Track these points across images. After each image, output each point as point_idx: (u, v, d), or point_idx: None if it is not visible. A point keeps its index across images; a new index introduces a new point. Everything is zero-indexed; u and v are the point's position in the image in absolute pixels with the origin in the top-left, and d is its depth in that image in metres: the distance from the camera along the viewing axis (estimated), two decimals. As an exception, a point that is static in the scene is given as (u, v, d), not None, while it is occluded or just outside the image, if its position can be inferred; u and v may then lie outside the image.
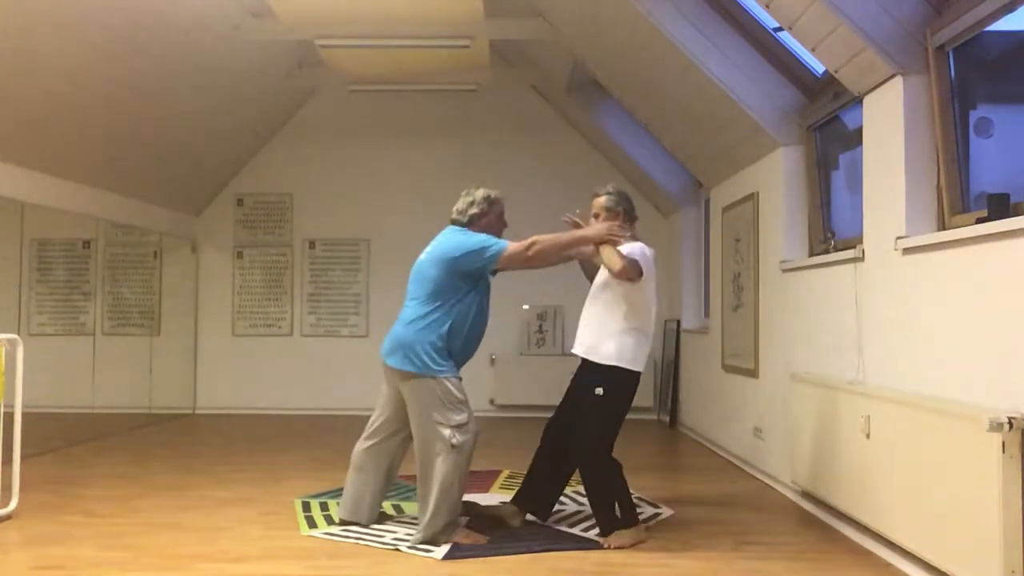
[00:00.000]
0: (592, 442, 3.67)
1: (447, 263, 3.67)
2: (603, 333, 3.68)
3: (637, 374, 3.71)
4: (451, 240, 3.74)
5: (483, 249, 3.65)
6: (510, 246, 3.64)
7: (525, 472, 4.04)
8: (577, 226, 3.84)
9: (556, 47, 6.74)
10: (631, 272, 3.57)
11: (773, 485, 4.90)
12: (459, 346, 3.73)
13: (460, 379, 3.74)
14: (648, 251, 3.73)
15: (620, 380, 3.66)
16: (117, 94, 6.02)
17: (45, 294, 8.44)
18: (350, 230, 8.43)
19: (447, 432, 3.60)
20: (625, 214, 3.80)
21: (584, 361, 3.76)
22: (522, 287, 7.68)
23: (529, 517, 4.05)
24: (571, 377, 3.90)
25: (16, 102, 5.31)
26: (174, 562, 3.39)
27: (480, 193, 3.85)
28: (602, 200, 3.80)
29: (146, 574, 3.26)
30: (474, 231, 3.79)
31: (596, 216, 3.81)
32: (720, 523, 4.07)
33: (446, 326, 3.67)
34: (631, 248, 3.69)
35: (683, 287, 7.62)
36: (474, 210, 3.82)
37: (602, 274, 3.77)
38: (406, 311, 3.76)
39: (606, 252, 3.63)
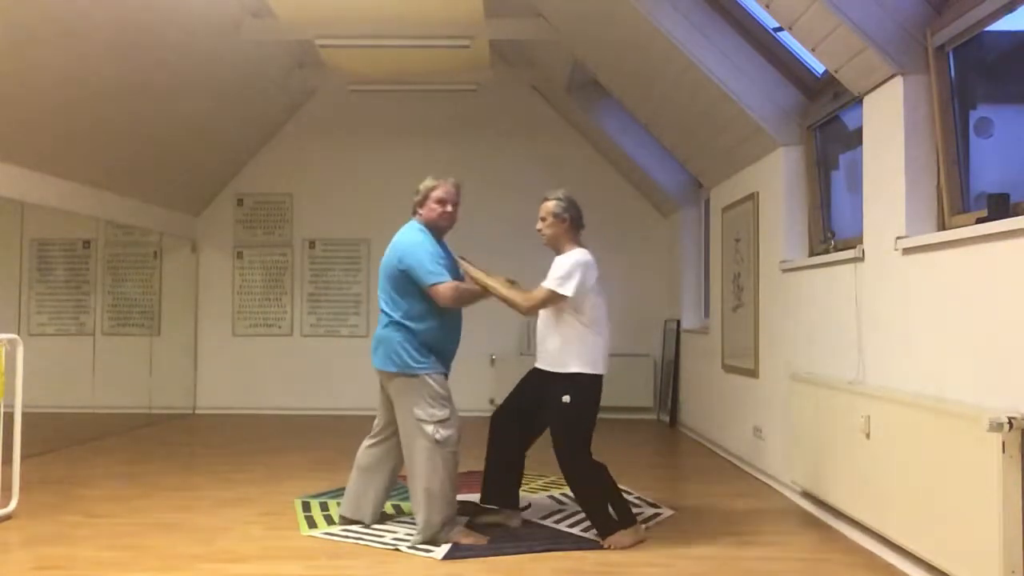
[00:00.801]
0: (570, 449, 3.69)
1: (399, 271, 3.72)
2: (561, 343, 3.71)
3: (600, 376, 3.74)
4: (400, 250, 3.75)
5: (422, 279, 3.67)
6: (441, 287, 3.64)
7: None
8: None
9: (556, 47, 6.74)
10: (534, 310, 3.70)
11: (773, 485, 4.90)
12: (438, 339, 3.75)
13: (444, 375, 3.76)
14: (585, 257, 3.73)
15: (584, 385, 3.69)
16: (117, 94, 6.02)
17: (45, 294, 8.44)
18: (350, 230, 8.43)
19: (430, 428, 3.62)
20: (572, 221, 3.82)
21: (544, 372, 3.79)
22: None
23: (529, 517, 4.06)
24: (529, 373, 3.94)
25: (16, 102, 5.31)
26: (174, 562, 3.39)
27: (424, 182, 3.91)
28: (551, 205, 3.83)
29: (146, 574, 3.26)
30: (422, 219, 3.86)
31: (543, 219, 3.83)
32: (720, 523, 4.07)
33: (421, 322, 3.70)
34: (565, 257, 3.72)
35: (683, 287, 7.62)
36: (415, 198, 3.90)
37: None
38: (381, 312, 3.82)
39: (506, 299, 3.72)
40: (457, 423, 3.71)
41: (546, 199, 3.86)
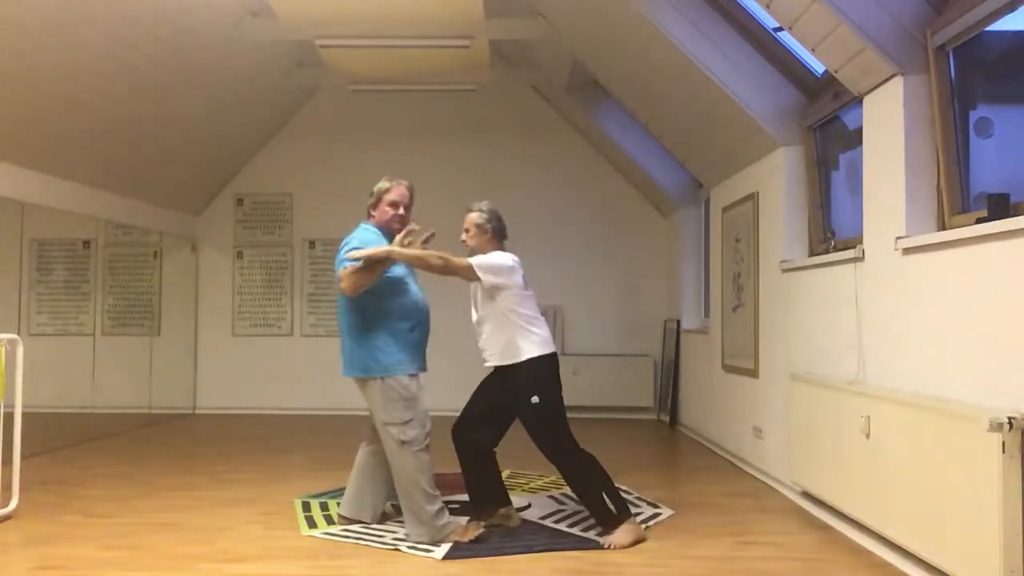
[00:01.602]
0: (554, 444, 3.73)
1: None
2: (507, 338, 3.77)
3: (553, 355, 3.82)
4: (343, 244, 3.76)
5: (340, 256, 3.67)
6: (341, 273, 3.63)
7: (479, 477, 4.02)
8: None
9: (556, 47, 6.74)
10: (448, 268, 3.70)
11: (773, 485, 4.90)
12: (399, 337, 3.72)
13: (412, 375, 3.74)
14: (503, 256, 3.81)
15: (541, 368, 3.75)
16: (117, 94, 6.02)
17: (45, 294, 8.45)
18: (350, 230, 8.36)
19: (395, 430, 3.65)
20: (494, 232, 3.91)
21: (500, 368, 3.83)
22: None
23: (529, 517, 4.06)
24: (487, 379, 3.98)
25: (16, 102, 5.31)
26: (174, 562, 3.39)
27: (377, 184, 3.93)
28: (474, 216, 3.90)
29: (146, 574, 3.26)
30: (373, 220, 3.88)
31: (467, 231, 3.91)
32: (720, 523, 4.07)
33: (376, 324, 3.70)
34: (494, 254, 3.82)
35: (683, 287, 7.62)
36: (369, 200, 3.93)
37: (477, 294, 3.88)
38: (338, 320, 3.85)
39: (415, 256, 3.72)
40: (423, 422, 3.72)
41: (469, 210, 3.95)
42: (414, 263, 3.78)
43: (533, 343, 3.77)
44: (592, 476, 3.75)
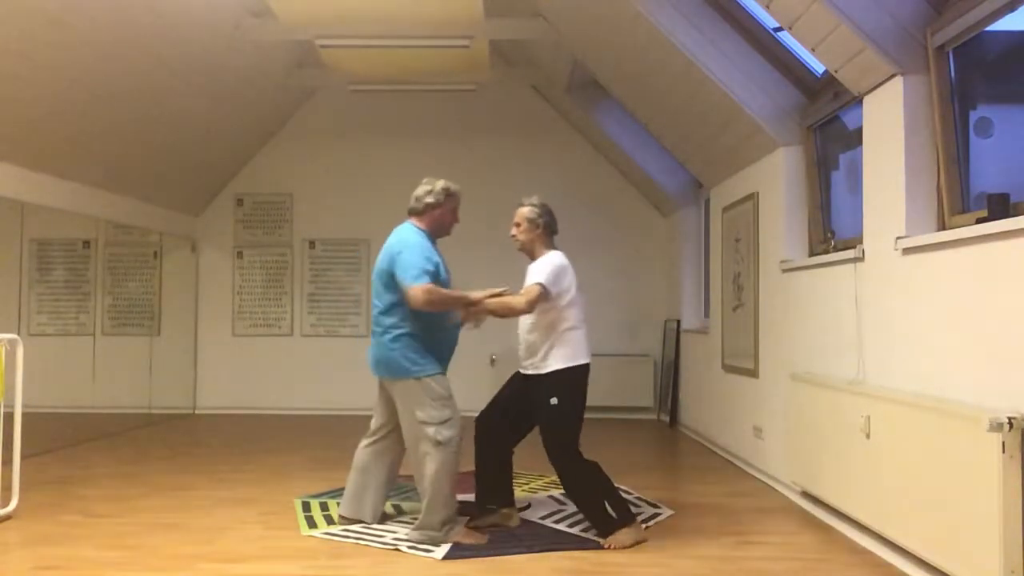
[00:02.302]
0: (559, 450, 3.71)
1: (392, 273, 3.69)
2: (548, 346, 3.74)
3: (585, 366, 3.77)
4: (394, 250, 3.72)
5: (404, 275, 3.62)
6: (416, 287, 3.58)
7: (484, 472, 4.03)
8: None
9: (556, 47, 6.74)
10: (532, 306, 3.67)
11: (773, 485, 4.90)
12: (435, 340, 3.75)
13: (443, 374, 3.75)
14: (563, 259, 3.79)
15: (570, 380, 3.72)
16: (117, 94, 6.02)
17: (45, 294, 8.44)
18: (350, 230, 8.43)
19: (431, 430, 3.63)
20: (545, 227, 3.87)
21: (533, 375, 3.80)
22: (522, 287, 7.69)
23: (529, 517, 4.06)
24: (513, 376, 3.96)
25: (16, 102, 5.31)
26: (174, 562, 3.39)
27: (440, 184, 3.87)
28: (525, 211, 3.87)
29: (146, 574, 3.26)
30: (425, 222, 3.83)
31: (518, 225, 3.87)
32: (720, 523, 4.07)
33: (414, 327, 3.69)
34: (545, 259, 3.77)
35: (683, 287, 7.62)
36: (430, 199, 3.84)
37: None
38: (374, 319, 3.81)
39: (500, 306, 3.71)
40: (459, 423, 3.71)
41: (520, 204, 3.90)
42: (504, 314, 3.75)
43: (568, 354, 3.72)
44: (592, 485, 3.72)
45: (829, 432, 3.98)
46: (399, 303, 3.69)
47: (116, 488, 4.79)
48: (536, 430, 3.80)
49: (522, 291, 3.71)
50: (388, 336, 3.71)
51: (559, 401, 3.68)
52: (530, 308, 3.67)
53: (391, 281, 3.70)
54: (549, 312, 3.71)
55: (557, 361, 3.71)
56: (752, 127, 4.95)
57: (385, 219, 9.00)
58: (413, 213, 3.88)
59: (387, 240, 3.84)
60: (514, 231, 3.87)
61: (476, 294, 3.75)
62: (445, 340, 3.82)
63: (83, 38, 5.29)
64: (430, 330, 3.73)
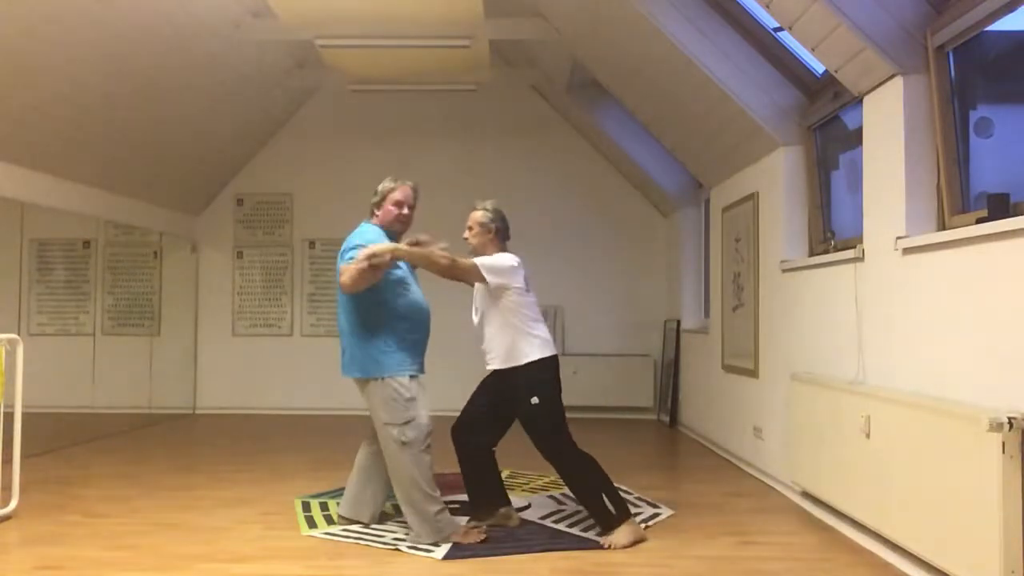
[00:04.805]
0: (552, 445, 3.73)
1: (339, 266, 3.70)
2: (510, 340, 3.77)
3: (553, 357, 3.82)
4: (346, 243, 3.75)
5: (344, 254, 3.65)
6: (342, 267, 3.59)
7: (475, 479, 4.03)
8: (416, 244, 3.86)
9: (556, 47, 6.74)
10: (454, 271, 3.72)
11: (773, 485, 4.90)
12: (399, 337, 3.72)
13: (411, 375, 3.72)
14: (507, 257, 3.81)
15: (542, 371, 3.75)
16: (117, 94, 6.02)
17: (45, 294, 8.44)
18: (350, 230, 8.37)
19: (395, 431, 3.64)
20: (497, 232, 3.90)
21: (501, 371, 3.82)
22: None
23: (529, 517, 4.07)
24: (487, 378, 3.97)
25: (16, 102, 5.31)
26: (174, 562, 3.39)
27: (381, 184, 3.90)
28: (478, 215, 3.90)
29: (146, 574, 3.26)
30: (377, 219, 3.86)
31: (470, 228, 3.90)
32: (720, 523, 4.07)
33: (377, 323, 3.69)
34: (498, 255, 3.81)
35: (683, 287, 7.62)
36: (374, 199, 3.89)
37: (478, 296, 3.88)
38: (338, 320, 3.83)
39: (423, 256, 3.71)
40: (424, 423, 3.70)
41: (474, 208, 3.93)
42: (419, 262, 3.77)
43: (534, 346, 3.77)
44: (591, 477, 3.75)
45: (829, 432, 3.98)
46: (360, 303, 3.70)
47: (116, 488, 4.79)
48: (516, 425, 3.83)
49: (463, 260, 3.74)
50: (350, 333, 3.74)
51: (540, 399, 3.71)
52: (450, 271, 3.70)
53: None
54: (499, 305, 3.75)
55: (531, 352, 3.74)
56: (752, 127, 4.95)
57: (385, 219, 8.98)
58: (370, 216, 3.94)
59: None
60: (467, 234, 3.92)
61: (395, 245, 3.69)
62: (412, 335, 3.77)
63: (83, 38, 5.29)
64: (393, 328, 3.71)
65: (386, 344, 3.69)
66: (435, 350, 3.94)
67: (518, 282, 3.79)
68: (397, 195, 3.87)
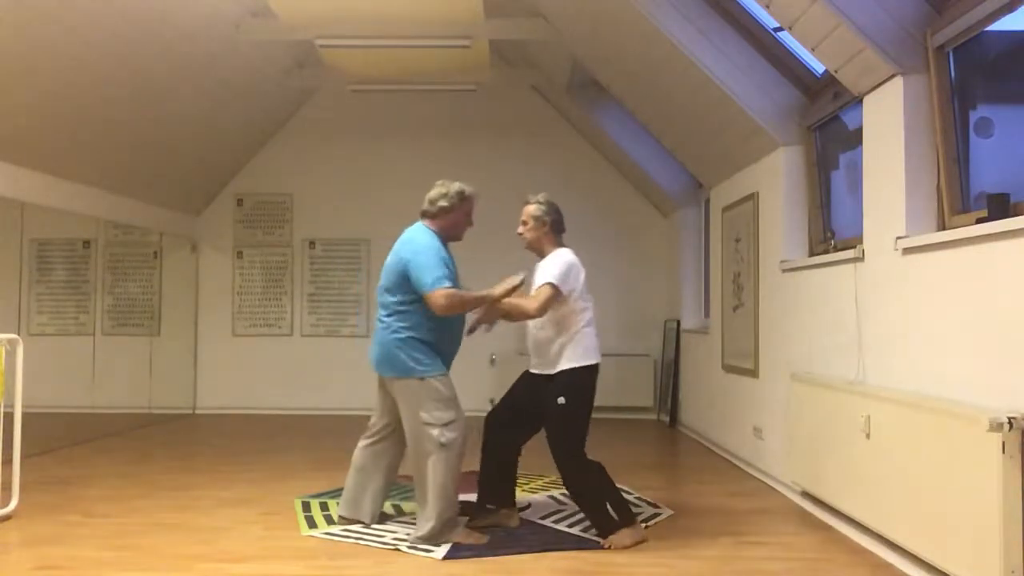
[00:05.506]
0: (567, 449, 3.69)
1: (402, 274, 3.66)
2: (559, 345, 3.72)
3: (595, 367, 3.76)
4: (409, 250, 3.69)
5: (421, 280, 3.59)
6: (437, 292, 3.55)
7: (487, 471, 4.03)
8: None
9: (556, 47, 6.74)
10: (544, 309, 3.66)
11: (773, 485, 4.90)
12: (440, 340, 3.72)
13: (447, 375, 3.73)
14: (569, 256, 3.77)
15: (579, 380, 3.71)
16: (117, 94, 6.02)
17: (45, 294, 8.44)
18: (350, 230, 8.43)
19: (435, 431, 3.61)
20: (552, 225, 3.84)
21: (543, 375, 3.79)
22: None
23: (529, 517, 4.07)
24: (523, 375, 3.95)
25: (16, 102, 5.31)
26: (174, 562, 3.39)
27: (455, 187, 3.84)
28: (532, 209, 3.85)
29: (146, 574, 3.26)
30: (438, 224, 3.80)
31: (524, 223, 3.85)
32: (720, 523, 4.07)
33: (420, 326, 3.67)
34: (554, 257, 3.76)
35: (683, 287, 7.62)
36: (443, 203, 3.80)
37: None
38: (379, 318, 3.79)
39: (513, 308, 3.68)
40: (463, 425, 3.68)
41: (527, 202, 3.88)
42: (518, 318, 3.72)
43: (578, 353, 3.70)
44: (595, 486, 3.71)
45: (829, 432, 3.98)
46: (408, 305, 3.67)
47: (116, 488, 4.79)
48: (543, 431, 3.79)
49: (533, 292, 3.69)
50: (395, 336, 3.68)
51: (567, 401, 3.66)
52: (542, 311, 3.65)
53: (402, 282, 3.67)
54: (560, 309, 3.70)
55: (567, 360, 3.69)
56: (752, 127, 4.95)
57: (385, 219, 9.03)
58: (426, 216, 3.84)
59: (398, 239, 3.81)
60: (521, 229, 3.85)
61: (495, 290, 3.67)
62: (450, 340, 3.80)
63: (83, 38, 5.29)
64: (437, 331, 3.70)
65: (428, 345, 3.67)
66: (462, 349, 3.90)
67: (581, 281, 3.73)
68: (473, 205, 3.84)
